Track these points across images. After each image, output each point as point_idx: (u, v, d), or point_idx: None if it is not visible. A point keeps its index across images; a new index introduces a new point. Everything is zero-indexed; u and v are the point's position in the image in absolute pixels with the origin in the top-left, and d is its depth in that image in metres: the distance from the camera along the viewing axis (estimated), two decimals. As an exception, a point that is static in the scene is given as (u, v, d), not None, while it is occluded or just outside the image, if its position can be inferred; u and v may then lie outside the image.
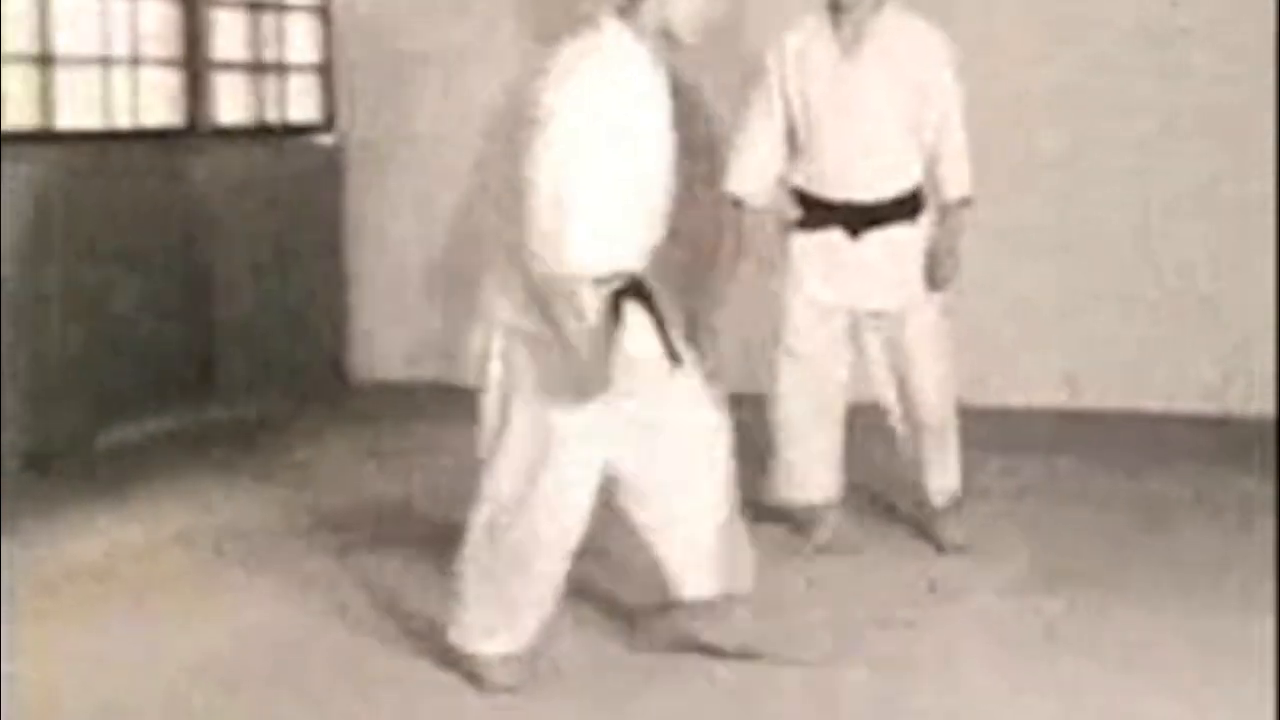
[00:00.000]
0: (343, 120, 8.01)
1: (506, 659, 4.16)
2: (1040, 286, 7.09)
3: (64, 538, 5.44)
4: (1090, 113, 6.99)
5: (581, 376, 3.92)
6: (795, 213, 5.26)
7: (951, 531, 5.31)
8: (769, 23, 5.49)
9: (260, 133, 7.66)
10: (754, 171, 5.26)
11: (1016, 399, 7.09)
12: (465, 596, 4.18)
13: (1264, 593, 4.76)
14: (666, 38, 4.01)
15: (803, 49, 5.19)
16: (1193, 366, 6.94)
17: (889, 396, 5.32)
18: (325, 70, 8.00)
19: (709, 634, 4.33)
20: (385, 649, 4.44)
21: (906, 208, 5.19)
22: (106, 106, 6.81)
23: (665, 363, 4.10)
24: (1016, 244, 7.00)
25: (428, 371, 7.62)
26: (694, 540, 4.27)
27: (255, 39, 7.61)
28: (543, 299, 3.89)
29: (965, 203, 5.21)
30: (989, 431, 6.11)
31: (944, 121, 5.15)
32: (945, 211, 5.23)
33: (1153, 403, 6.98)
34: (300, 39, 7.90)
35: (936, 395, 5.27)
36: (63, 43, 6.56)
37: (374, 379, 7.92)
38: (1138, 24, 6.94)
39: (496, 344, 4.08)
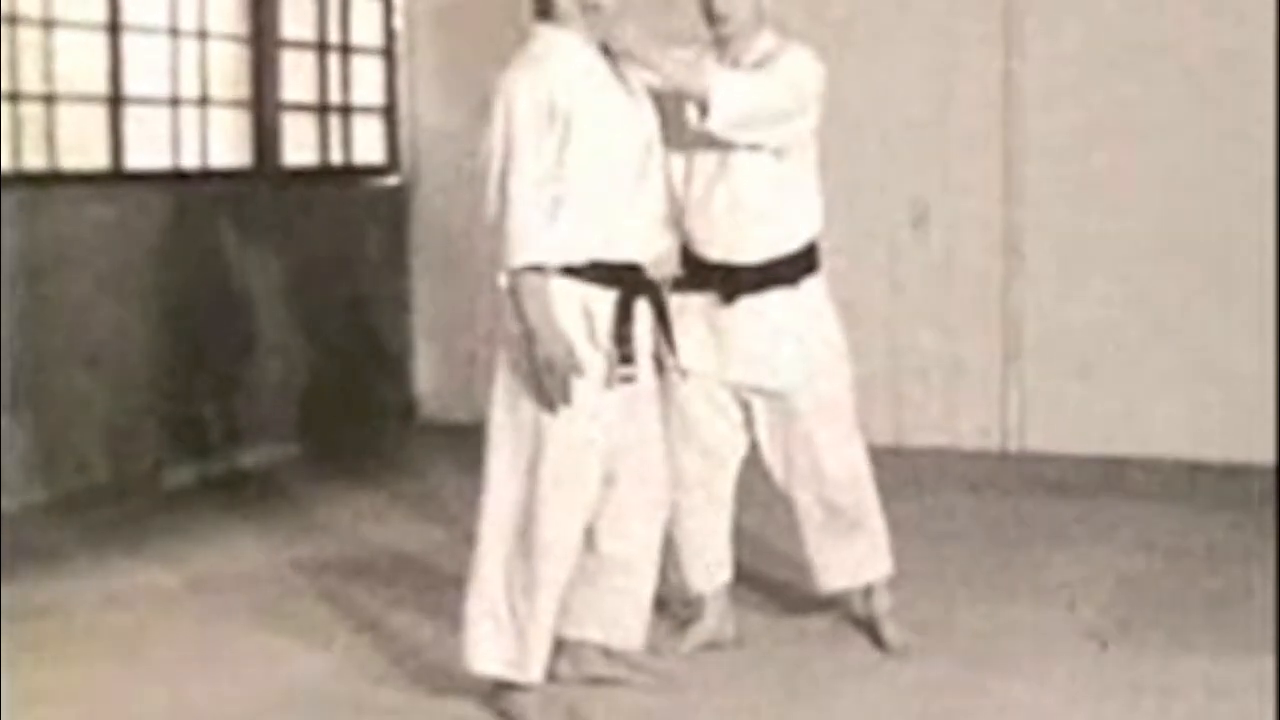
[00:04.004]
0: (407, 161, 8.18)
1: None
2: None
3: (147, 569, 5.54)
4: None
5: (550, 369, 3.98)
6: (674, 271, 4.62)
7: (891, 633, 4.77)
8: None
9: (326, 174, 7.81)
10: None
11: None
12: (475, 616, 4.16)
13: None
14: (592, 13, 4.08)
15: None
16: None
17: (786, 481, 4.68)
18: (390, 112, 8.17)
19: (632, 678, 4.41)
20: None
21: (792, 271, 4.57)
22: (175, 147, 6.95)
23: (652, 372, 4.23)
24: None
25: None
26: (633, 588, 4.35)
27: (322, 81, 7.77)
28: (512, 295, 4.02)
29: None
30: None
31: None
32: None
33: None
34: (365, 81, 8.05)
35: (847, 476, 4.66)
36: (132, 84, 6.71)
37: (441, 421, 7.99)
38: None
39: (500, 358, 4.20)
